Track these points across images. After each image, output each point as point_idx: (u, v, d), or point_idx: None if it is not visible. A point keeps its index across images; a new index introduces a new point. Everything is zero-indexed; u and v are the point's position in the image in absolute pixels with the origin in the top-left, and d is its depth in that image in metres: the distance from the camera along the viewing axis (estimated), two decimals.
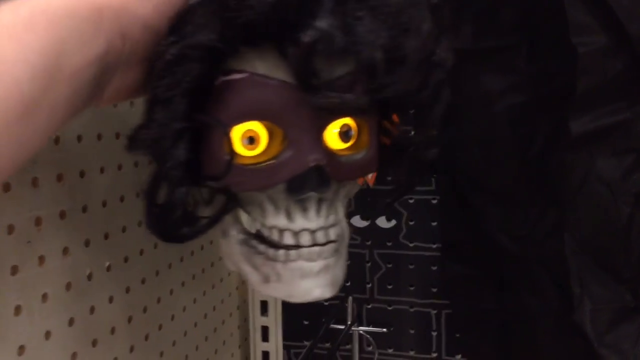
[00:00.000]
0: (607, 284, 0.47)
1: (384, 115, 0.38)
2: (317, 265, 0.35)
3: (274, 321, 0.79)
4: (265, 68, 0.32)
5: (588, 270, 0.48)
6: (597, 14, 0.45)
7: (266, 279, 0.36)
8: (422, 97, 0.35)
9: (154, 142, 0.32)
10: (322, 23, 0.29)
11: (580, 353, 0.48)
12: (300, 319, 0.79)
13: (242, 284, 0.82)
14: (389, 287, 0.76)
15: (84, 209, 0.46)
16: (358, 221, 0.76)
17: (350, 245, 0.73)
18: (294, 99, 0.32)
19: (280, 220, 0.35)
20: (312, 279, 0.35)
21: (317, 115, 0.33)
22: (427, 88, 0.34)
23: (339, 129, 0.36)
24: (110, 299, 0.49)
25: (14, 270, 0.39)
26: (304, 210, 0.35)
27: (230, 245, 0.38)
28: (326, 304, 0.78)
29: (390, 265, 0.76)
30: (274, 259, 0.36)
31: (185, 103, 0.31)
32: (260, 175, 0.34)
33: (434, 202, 0.73)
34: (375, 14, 0.30)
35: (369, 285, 0.77)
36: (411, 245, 0.74)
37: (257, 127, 0.34)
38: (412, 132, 0.40)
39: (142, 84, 0.33)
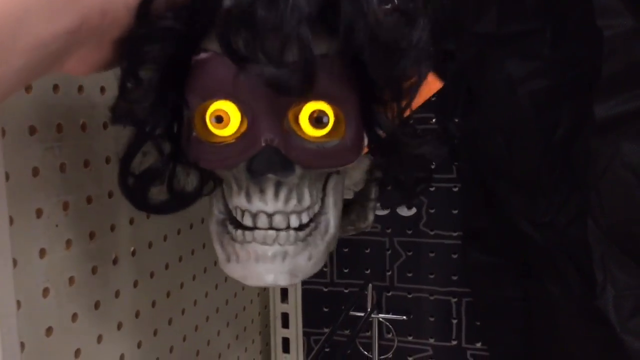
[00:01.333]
0: (631, 271, 0.47)
1: (376, 104, 0.36)
2: (271, 249, 0.35)
3: (294, 308, 0.79)
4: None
5: (611, 257, 0.48)
6: None
7: (228, 259, 0.36)
8: (387, 81, 0.33)
9: (129, 112, 0.33)
10: None
11: (603, 339, 0.47)
12: (320, 306, 0.80)
13: None
14: (409, 275, 0.76)
15: (110, 195, 0.46)
16: (378, 209, 0.76)
17: (371, 233, 0.73)
18: (253, 78, 0.31)
19: (241, 201, 0.35)
20: (266, 264, 0.35)
21: (277, 97, 0.32)
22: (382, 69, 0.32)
23: (308, 114, 0.34)
24: (135, 283, 0.50)
25: (42, 253, 0.39)
26: (261, 192, 0.35)
27: (211, 223, 0.38)
28: (346, 291, 0.79)
29: (410, 253, 0.76)
30: (234, 239, 0.36)
31: (157, 79, 0.32)
32: (222, 153, 0.34)
33: (455, 189, 0.72)
34: None
35: (388, 273, 0.77)
36: (431, 233, 0.74)
37: (227, 106, 0.34)
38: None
39: (114, 59, 0.32)
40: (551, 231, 0.56)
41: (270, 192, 0.35)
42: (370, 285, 0.75)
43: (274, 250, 0.35)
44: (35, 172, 0.39)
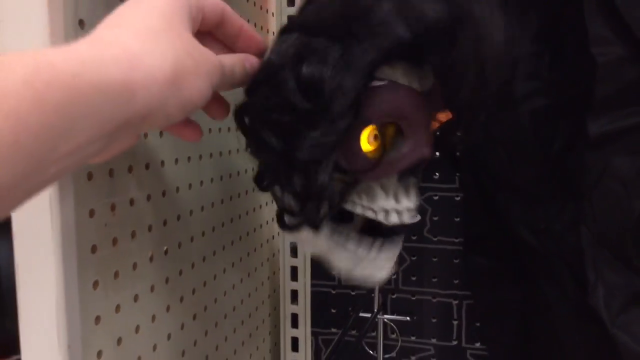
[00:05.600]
0: (620, 272, 0.51)
1: None
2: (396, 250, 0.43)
3: (304, 309, 0.83)
4: (399, 76, 0.37)
5: (602, 260, 0.52)
6: (614, 27, 0.49)
7: (355, 263, 0.42)
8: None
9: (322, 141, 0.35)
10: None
11: (595, 334, 0.52)
12: (328, 307, 0.84)
13: (273, 274, 0.87)
14: (413, 278, 0.80)
15: (148, 198, 0.51)
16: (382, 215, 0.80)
17: None
18: (419, 102, 0.37)
19: (390, 202, 0.40)
20: (389, 262, 0.43)
21: (429, 116, 0.38)
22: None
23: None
24: (167, 280, 0.55)
25: (94, 249, 0.44)
26: (407, 192, 0.41)
27: (317, 238, 0.43)
28: (353, 293, 0.83)
29: (414, 258, 0.80)
30: (366, 247, 0.41)
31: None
32: (384, 166, 0.39)
33: (457, 199, 0.77)
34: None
35: (394, 277, 0.81)
36: (435, 239, 0.79)
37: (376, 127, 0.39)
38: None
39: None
40: (547, 237, 0.61)
41: (413, 191, 0.42)
42: (376, 288, 0.80)
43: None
44: (90, 176, 0.43)
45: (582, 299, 0.55)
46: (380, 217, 0.41)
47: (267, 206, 0.85)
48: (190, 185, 0.59)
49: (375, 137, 0.39)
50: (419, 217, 0.80)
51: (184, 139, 0.44)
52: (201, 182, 0.62)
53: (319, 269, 0.83)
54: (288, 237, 0.82)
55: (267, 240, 0.86)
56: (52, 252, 0.38)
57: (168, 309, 0.55)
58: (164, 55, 0.30)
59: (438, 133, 0.46)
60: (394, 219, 0.41)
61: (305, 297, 0.83)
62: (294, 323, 0.84)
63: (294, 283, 0.83)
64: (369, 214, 0.41)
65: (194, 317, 0.61)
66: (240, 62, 0.38)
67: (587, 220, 0.54)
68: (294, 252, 0.83)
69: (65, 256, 0.39)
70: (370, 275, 0.42)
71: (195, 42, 0.33)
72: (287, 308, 0.84)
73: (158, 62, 0.29)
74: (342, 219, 0.43)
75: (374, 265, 0.41)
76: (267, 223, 0.85)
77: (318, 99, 0.34)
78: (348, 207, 0.42)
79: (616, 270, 0.51)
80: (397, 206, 0.40)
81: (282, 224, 0.42)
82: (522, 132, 0.58)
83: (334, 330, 0.84)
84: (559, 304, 0.60)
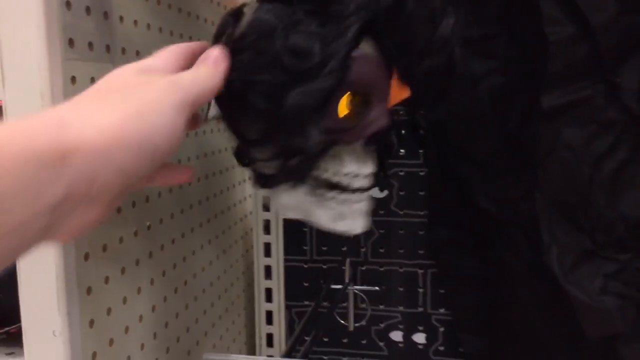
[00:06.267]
0: (571, 233, 0.56)
1: None
2: (365, 205, 0.47)
3: (277, 284, 0.86)
4: (370, 50, 0.40)
5: (555, 223, 0.57)
6: (565, 8, 0.54)
7: (334, 219, 0.45)
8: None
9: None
10: None
11: (549, 292, 0.57)
12: (301, 281, 0.87)
13: (247, 252, 0.90)
14: (381, 250, 0.84)
15: None
16: None
17: None
18: (384, 75, 0.40)
19: (354, 167, 0.44)
20: (363, 216, 0.46)
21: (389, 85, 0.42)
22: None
23: None
24: (150, 254, 0.57)
25: None
26: (368, 159, 0.45)
27: (297, 195, 0.46)
28: (325, 267, 0.86)
29: (382, 231, 0.84)
30: (342, 202, 0.45)
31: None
32: (358, 130, 0.42)
33: (422, 174, 0.81)
34: None
35: (363, 250, 0.85)
36: (401, 212, 0.83)
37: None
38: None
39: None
40: (505, 205, 0.65)
41: (372, 159, 0.46)
42: (347, 260, 0.83)
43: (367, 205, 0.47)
44: None
45: (536, 260, 0.60)
46: (346, 181, 0.45)
47: (239, 185, 0.88)
48: None
49: (350, 102, 0.42)
50: (386, 192, 0.84)
51: (175, 183, 0.43)
52: (179, 160, 0.64)
53: (292, 245, 0.86)
54: (262, 215, 0.85)
55: (241, 219, 0.89)
56: None
57: (152, 282, 0.57)
58: (103, 112, 0.28)
59: (402, 112, 0.50)
60: (358, 183, 0.45)
61: (278, 272, 0.86)
62: (268, 297, 0.87)
63: (268, 259, 0.86)
64: (336, 179, 0.45)
65: (175, 291, 0.63)
66: (203, 65, 0.37)
67: (541, 187, 0.58)
68: (267, 229, 0.86)
69: None
70: (350, 229, 0.45)
71: (155, 84, 0.32)
72: (262, 283, 0.87)
73: (90, 122, 0.27)
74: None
75: (352, 220, 0.45)
76: (240, 202, 0.88)
77: (309, 60, 0.36)
78: (317, 171, 0.45)
79: (567, 232, 0.56)
80: (361, 171, 0.45)
81: (262, 182, 0.45)
82: (481, 108, 0.63)
83: (306, 302, 0.87)
84: (515, 266, 0.65)
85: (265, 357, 0.86)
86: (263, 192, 0.83)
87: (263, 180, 0.44)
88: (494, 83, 0.62)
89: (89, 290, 0.46)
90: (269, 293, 0.87)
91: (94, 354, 0.46)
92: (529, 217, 0.60)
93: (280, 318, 0.88)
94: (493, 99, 0.63)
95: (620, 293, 0.54)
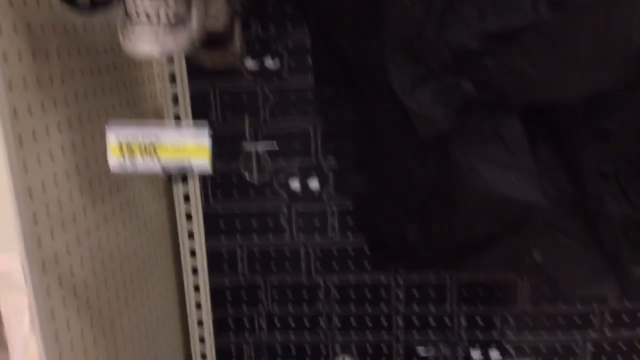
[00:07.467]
0: (410, 62, 0.72)
1: None
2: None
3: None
4: None
5: (400, 59, 0.72)
6: None
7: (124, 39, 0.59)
8: None
9: None
10: None
11: (402, 117, 0.73)
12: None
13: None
14: (277, 112, 0.99)
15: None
16: (250, 63, 0.97)
17: (245, 83, 0.95)
18: None
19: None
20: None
21: None
22: None
23: None
24: None
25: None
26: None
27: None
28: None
29: (277, 96, 0.98)
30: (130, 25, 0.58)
31: None
32: None
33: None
34: None
35: (262, 114, 0.99)
36: (292, 78, 0.98)
37: None
38: None
39: None
40: (368, 56, 0.81)
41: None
42: (246, 120, 0.98)
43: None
44: None
45: (392, 96, 0.77)
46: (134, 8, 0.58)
47: None
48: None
49: None
50: (279, 65, 0.98)
51: None
52: None
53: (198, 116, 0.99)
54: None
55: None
56: None
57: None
58: None
59: None
60: (150, 10, 0.57)
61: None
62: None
63: None
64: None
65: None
66: None
67: (388, 36, 0.74)
68: (175, 100, 0.98)
69: None
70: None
71: None
72: None
73: None
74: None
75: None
76: None
77: None
78: None
79: (407, 62, 0.72)
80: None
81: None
82: None
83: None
84: (377, 106, 0.82)
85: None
86: None
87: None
88: None
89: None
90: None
91: None
92: (384, 65, 0.76)
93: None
94: None
95: (444, 103, 0.70)
